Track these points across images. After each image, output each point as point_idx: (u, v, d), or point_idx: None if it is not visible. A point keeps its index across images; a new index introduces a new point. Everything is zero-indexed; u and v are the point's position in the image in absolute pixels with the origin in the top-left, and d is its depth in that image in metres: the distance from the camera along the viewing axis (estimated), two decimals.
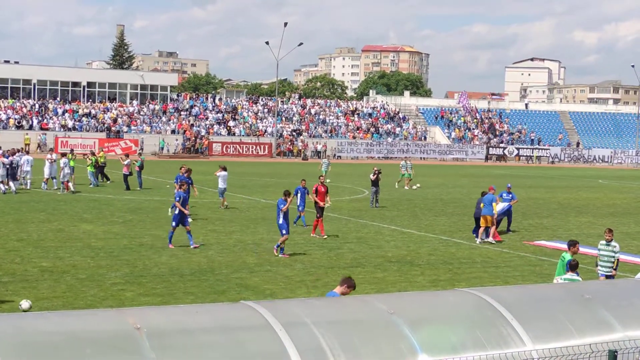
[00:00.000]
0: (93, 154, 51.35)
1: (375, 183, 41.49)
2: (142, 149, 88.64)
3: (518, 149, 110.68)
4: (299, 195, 32.16)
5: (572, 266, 16.93)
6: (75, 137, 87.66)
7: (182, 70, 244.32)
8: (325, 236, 30.18)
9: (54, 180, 45.28)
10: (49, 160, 45.49)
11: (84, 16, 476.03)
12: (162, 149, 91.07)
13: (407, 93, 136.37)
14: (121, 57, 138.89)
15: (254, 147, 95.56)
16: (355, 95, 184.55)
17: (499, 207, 32.60)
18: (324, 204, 31.34)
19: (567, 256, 18.06)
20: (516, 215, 38.56)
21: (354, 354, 8.24)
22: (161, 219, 33.81)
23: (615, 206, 46.19)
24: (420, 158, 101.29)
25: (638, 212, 43.06)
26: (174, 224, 26.88)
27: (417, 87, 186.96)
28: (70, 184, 44.18)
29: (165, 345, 7.77)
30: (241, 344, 8.12)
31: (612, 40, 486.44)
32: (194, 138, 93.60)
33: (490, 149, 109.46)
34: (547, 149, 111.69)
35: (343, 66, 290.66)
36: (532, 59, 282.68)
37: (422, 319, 9.15)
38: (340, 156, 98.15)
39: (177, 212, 26.85)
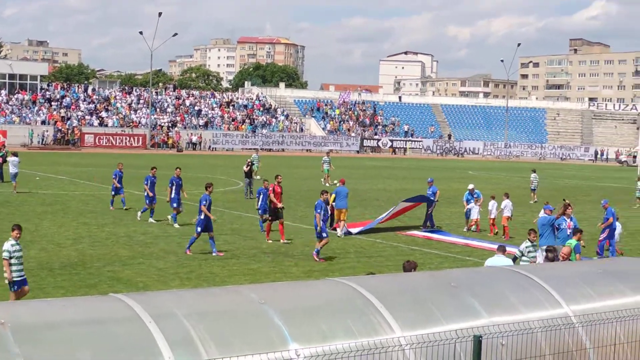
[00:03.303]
0: None
1: (248, 174, 41.73)
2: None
3: (392, 140, 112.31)
4: (261, 197, 29.89)
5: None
6: None
7: (53, 60, 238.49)
8: (287, 241, 27.84)
9: None
10: None
11: None
12: (32, 140, 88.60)
13: (282, 85, 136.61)
14: None
15: (128, 138, 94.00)
16: (231, 86, 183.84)
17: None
18: (281, 206, 28.79)
19: (573, 241, 19.79)
20: (388, 207, 39.11)
21: (225, 344, 8.22)
22: (29, 212, 33.03)
23: (484, 197, 47.25)
24: (307, 150, 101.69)
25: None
26: (199, 229, 24.97)
27: (293, 79, 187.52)
28: None
29: (31, 340, 7.60)
30: (110, 337, 7.99)
31: (483, 36, 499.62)
32: (65, 129, 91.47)
33: (365, 140, 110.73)
34: (419, 141, 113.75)
35: (218, 57, 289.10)
36: (406, 53, 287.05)
37: (293, 309, 9.20)
38: (215, 148, 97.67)
39: (202, 216, 24.92)
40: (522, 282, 11.03)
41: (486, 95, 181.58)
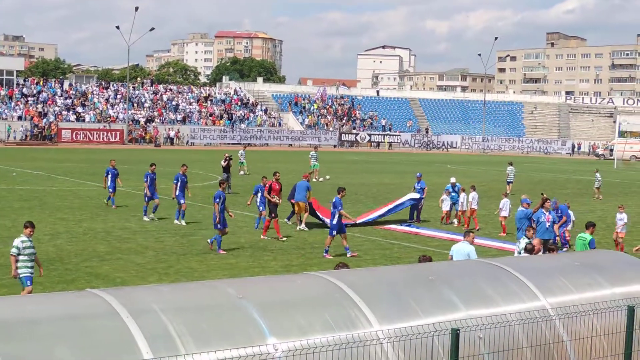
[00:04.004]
0: None
1: (226, 169, 41.72)
2: None
3: (370, 134, 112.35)
4: (259, 194, 29.47)
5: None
6: None
7: (30, 55, 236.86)
8: (284, 238, 27.55)
9: None
10: None
11: None
12: (9, 135, 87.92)
13: (260, 79, 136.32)
14: None
15: (105, 133, 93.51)
16: (208, 81, 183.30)
17: (408, 196, 33.67)
18: (278, 202, 28.70)
19: (587, 236, 20.21)
20: (367, 201, 39.29)
21: (203, 339, 8.21)
22: (6, 208, 32.82)
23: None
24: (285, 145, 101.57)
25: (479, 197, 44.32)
26: (219, 227, 24.72)
27: (271, 73, 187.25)
28: None
29: (8, 336, 7.55)
30: (87, 333, 7.96)
31: (461, 30, 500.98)
32: (42, 125, 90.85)
33: (343, 135, 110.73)
34: (397, 135, 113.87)
35: (196, 52, 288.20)
36: (383, 47, 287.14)
37: (271, 303, 9.18)
38: (193, 143, 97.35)
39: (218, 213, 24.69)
40: (500, 275, 11.07)
41: (464, 89, 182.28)
